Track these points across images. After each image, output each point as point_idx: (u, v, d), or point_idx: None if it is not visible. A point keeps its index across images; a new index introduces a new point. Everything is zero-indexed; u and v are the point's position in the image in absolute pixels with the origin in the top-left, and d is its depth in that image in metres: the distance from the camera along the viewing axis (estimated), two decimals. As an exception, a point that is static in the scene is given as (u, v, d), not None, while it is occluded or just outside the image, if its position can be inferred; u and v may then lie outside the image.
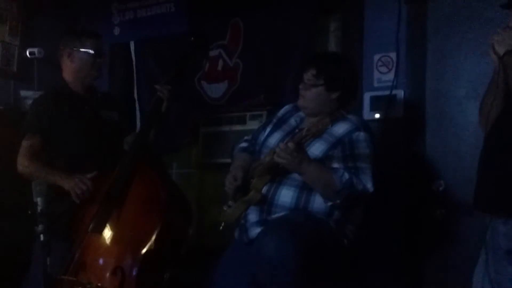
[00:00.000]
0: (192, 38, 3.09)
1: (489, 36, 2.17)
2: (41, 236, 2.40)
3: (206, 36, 3.29)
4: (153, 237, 2.63)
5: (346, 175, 2.48)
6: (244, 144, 2.92)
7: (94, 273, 2.68)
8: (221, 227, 2.67)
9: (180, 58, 3.05)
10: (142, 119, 4.00)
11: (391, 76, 3.30)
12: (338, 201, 2.51)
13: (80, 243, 2.73)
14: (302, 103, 2.71)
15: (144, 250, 2.64)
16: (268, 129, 2.83)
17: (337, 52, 3.46)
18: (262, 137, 2.82)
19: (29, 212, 2.54)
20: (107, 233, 2.73)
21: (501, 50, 2.13)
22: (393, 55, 3.30)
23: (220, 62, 3.89)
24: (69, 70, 3.04)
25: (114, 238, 2.71)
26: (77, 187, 2.79)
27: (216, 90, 3.91)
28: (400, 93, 3.27)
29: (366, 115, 3.30)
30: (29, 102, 3.69)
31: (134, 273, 2.63)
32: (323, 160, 2.57)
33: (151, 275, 2.69)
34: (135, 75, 4.25)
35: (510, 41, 2.12)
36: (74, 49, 3.00)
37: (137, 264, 2.63)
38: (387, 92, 3.28)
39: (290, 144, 2.42)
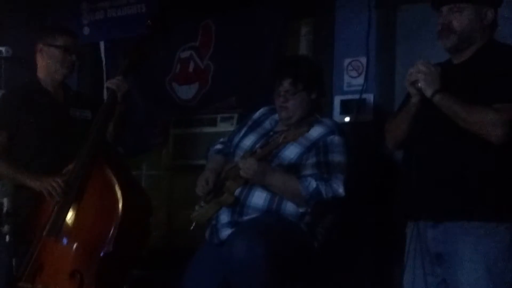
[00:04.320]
0: (149, 21, 3.09)
1: (408, 70, 2.20)
2: (7, 237, 2.37)
3: (162, 18, 3.29)
4: (111, 237, 2.57)
5: (313, 184, 2.50)
6: (219, 146, 2.91)
7: (51, 278, 2.62)
8: (192, 227, 2.67)
9: (135, 43, 3.04)
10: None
11: (361, 80, 3.33)
12: (308, 209, 2.53)
13: (36, 246, 2.67)
14: (286, 115, 2.67)
15: (102, 251, 2.57)
16: (243, 131, 2.83)
17: (297, 54, 3.48)
18: (236, 139, 2.82)
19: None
20: (63, 236, 2.66)
21: (429, 92, 2.16)
22: (363, 59, 3.33)
23: (191, 64, 3.87)
24: (40, 66, 3.03)
25: (70, 240, 2.65)
26: (50, 187, 2.72)
27: (187, 91, 3.89)
28: (369, 97, 3.30)
29: (336, 118, 3.31)
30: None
31: (93, 275, 2.56)
32: (297, 164, 2.59)
33: (111, 276, 2.63)
34: (104, 75, 4.20)
35: (437, 81, 2.16)
36: (46, 45, 2.99)
37: (96, 266, 2.57)
38: (357, 96, 3.31)
39: (252, 160, 2.48)
